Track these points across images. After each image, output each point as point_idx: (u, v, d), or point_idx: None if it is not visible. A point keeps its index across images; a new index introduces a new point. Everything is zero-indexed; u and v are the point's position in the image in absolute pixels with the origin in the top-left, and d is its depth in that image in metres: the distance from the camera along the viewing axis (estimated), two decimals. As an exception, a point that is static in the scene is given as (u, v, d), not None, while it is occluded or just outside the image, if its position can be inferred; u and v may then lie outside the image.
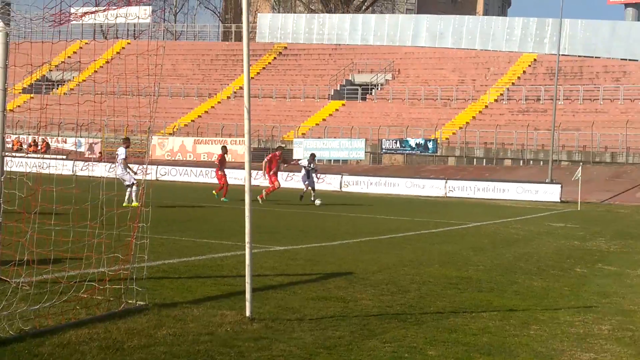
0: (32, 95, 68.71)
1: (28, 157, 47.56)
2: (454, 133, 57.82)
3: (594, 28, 66.55)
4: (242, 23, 8.49)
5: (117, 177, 22.06)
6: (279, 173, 30.83)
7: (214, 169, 31.74)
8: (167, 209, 21.58)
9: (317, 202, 28.38)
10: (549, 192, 39.91)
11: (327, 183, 43.52)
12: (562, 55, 53.78)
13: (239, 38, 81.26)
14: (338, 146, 57.15)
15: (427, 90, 64.82)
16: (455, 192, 41.36)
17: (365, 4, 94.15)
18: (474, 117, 60.41)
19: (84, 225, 8.77)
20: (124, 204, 20.43)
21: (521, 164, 53.50)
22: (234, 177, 45.13)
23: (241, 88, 66.58)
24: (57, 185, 9.02)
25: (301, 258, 13.02)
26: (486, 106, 61.88)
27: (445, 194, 41.14)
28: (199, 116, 67.78)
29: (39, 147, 55.94)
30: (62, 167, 41.06)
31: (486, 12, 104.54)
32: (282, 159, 30.14)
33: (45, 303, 7.80)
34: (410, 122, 59.93)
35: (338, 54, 74.49)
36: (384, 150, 56.76)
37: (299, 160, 30.49)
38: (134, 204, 20.94)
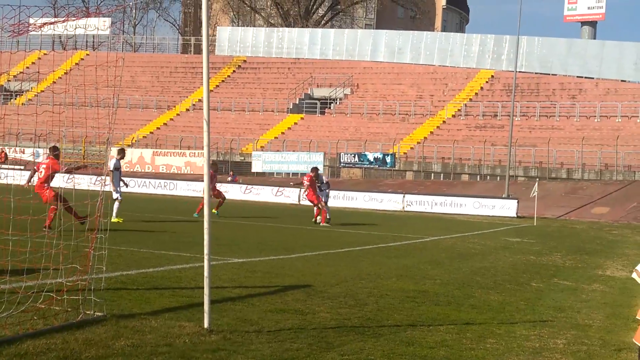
0: (-9, 104, 67.86)
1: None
2: (411, 148, 58.25)
3: (550, 45, 67.62)
4: (201, 36, 8.52)
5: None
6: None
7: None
8: (126, 220, 21.41)
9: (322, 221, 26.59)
10: (506, 207, 40.34)
11: (285, 196, 43.57)
12: (519, 72, 54.54)
13: (198, 51, 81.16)
14: (297, 159, 57.21)
15: (386, 105, 65.25)
16: (413, 206, 41.62)
17: (325, 18, 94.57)
18: (431, 132, 60.92)
19: (41, 236, 8.71)
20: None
21: (478, 179, 54.03)
22: (192, 189, 45.06)
23: (200, 100, 66.41)
24: (15, 195, 8.94)
25: (259, 270, 13.02)
26: (444, 121, 62.45)
27: (403, 208, 41.38)
28: (158, 128, 67.42)
29: (-2, 158, 55.19)
30: (20, 178, 40.50)
31: (444, 29, 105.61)
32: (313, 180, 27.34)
33: (2, 313, 7.73)
34: (368, 136, 60.24)
35: (297, 67, 74.71)
36: (342, 164, 56.95)
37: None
38: (114, 219, 20.73)
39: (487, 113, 62.27)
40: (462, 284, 12.98)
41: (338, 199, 43.26)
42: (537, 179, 42.68)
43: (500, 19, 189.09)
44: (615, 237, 28.69)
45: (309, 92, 71.26)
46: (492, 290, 12.53)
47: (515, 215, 39.19)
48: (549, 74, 66.38)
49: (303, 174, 56.70)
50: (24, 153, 57.88)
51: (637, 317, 9.78)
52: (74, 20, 9.57)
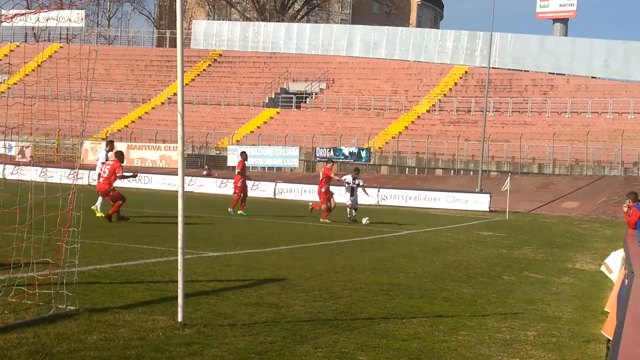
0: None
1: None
2: (386, 142, 58.37)
3: (523, 42, 68.03)
4: (176, 29, 8.45)
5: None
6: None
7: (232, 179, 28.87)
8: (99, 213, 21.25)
9: (365, 220, 25.65)
10: (479, 202, 40.54)
11: (260, 190, 43.45)
12: (492, 68, 54.82)
13: (173, 44, 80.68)
14: (272, 154, 57.12)
15: (361, 99, 65.32)
16: (388, 200, 41.70)
17: (300, 13, 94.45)
18: (406, 127, 61.08)
19: (12, 229, 8.60)
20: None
21: (452, 174, 54.26)
22: (167, 182, 44.84)
23: (175, 94, 66.09)
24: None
25: (234, 264, 12.97)
26: (418, 116, 62.64)
27: (378, 202, 41.44)
28: (133, 122, 67.03)
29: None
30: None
31: (419, 25, 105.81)
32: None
33: (-28, 307, 7.64)
34: (343, 130, 60.28)
35: (273, 62, 74.56)
36: (317, 159, 56.93)
37: (342, 176, 27.05)
38: (99, 214, 20.67)
39: (460, 108, 62.54)
40: (435, 277, 13.03)
41: (313, 193, 43.18)
42: (509, 174, 42.95)
43: (474, 15, 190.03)
44: (585, 231, 28.95)
45: (284, 87, 71.16)
46: (464, 283, 12.59)
47: (488, 210, 39.40)
48: (522, 70, 66.80)
49: (279, 169, 56.92)
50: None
51: (605, 309, 9.90)
52: (46, 12, 9.45)
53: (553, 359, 7.83)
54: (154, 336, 7.41)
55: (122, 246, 14.33)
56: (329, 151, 56.44)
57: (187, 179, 43.06)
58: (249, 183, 29.59)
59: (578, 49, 65.98)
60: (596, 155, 51.28)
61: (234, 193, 27.04)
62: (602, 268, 12.78)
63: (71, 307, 8.14)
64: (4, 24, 10.28)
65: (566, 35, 74.89)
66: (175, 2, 8.33)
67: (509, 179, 36.05)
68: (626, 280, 8.32)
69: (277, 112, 66.59)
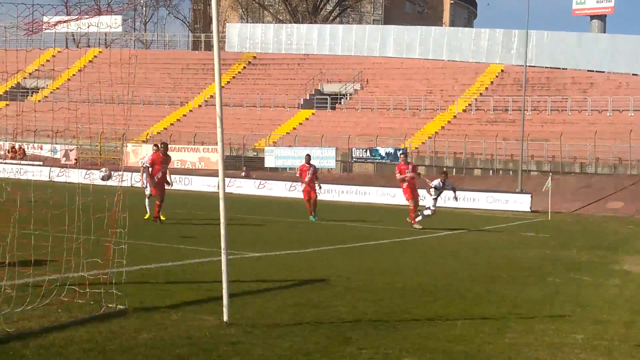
0: (7, 102, 68.11)
1: (6, 164, 47.23)
2: (423, 142, 58.13)
3: (560, 39, 67.31)
4: (211, 32, 8.53)
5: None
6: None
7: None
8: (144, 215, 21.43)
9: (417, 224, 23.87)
10: (519, 202, 40.23)
11: (298, 192, 43.51)
12: (529, 66, 54.29)
13: (208, 47, 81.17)
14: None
15: (396, 100, 65.09)
16: (424, 201, 41.46)
17: (332, 14, 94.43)
18: (442, 127, 60.76)
19: (62, 230, 8.75)
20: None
21: (490, 174, 53.88)
22: (207, 184, 45.13)
23: (212, 97, 66.48)
24: (35, 191, 8.98)
25: (277, 265, 13.04)
26: (455, 116, 62.27)
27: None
28: (171, 124, 67.52)
29: (17, 154, 55.50)
30: (38, 174, 40.70)
31: (452, 24, 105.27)
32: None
33: (27, 306, 7.78)
34: (379, 131, 60.12)
35: (307, 63, 74.61)
36: (354, 159, 56.90)
37: (429, 182, 24.67)
38: (147, 215, 20.83)
39: (497, 108, 62.06)
40: (479, 279, 12.95)
41: (351, 194, 43.33)
42: (550, 174, 42.49)
43: (508, 13, 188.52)
44: (631, 232, 28.54)
45: (319, 88, 71.18)
46: (509, 285, 12.48)
47: (529, 210, 39.08)
48: (559, 68, 66.07)
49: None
50: (41, 149, 58.15)
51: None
52: (86, 18, 9.61)
53: (603, 363, 7.70)
54: (201, 335, 7.48)
55: (167, 247, 14.48)
56: (366, 152, 56.39)
57: (227, 180, 43.30)
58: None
59: (618, 45, 65.07)
60: (640, 154, 50.45)
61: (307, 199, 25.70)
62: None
63: (121, 306, 8.27)
64: (46, 31, 10.46)
65: (604, 32, 73.96)
66: (210, 6, 8.41)
67: (550, 178, 35.68)
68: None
69: (313, 114, 66.62)
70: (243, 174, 51.05)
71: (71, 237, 8.63)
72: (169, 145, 23.37)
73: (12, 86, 72.84)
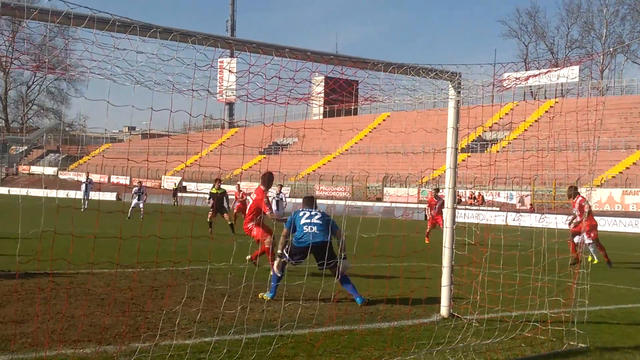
0: (468, 154, 71.49)
1: (467, 209, 49.69)
2: None
3: None
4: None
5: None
6: None
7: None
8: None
9: None
10: None
11: None
12: None
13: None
14: None
15: None
16: None
17: None
18: None
19: (527, 270, 8.98)
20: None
21: None
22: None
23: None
24: (503, 233, 9.36)
25: None
26: None
27: None
28: (627, 168, 64.60)
29: (475, 200, 57.91)
30: (494, 218, 42.14)
31: None
32: None
33: (494, 339, 8.12)
34: None
35: None
36: None
37: None
38: (595, 260, 19.31)
39: None
40: None
41: None
42: None
43: None
44: None
45: None
46: None
47: None
48: None
49: None
50: (498, 196, 59.76)
51: None
52: (545, 72, 9.81)
53: None
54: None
55: (625, 289, 13.90)
56: None
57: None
58: None
59: None
60: None
61: None
62: None
63: (582, 345, 8.18)
64: (518, 86, 10.79)
65: None
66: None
67: None
68: None
69: None
70: None
71: (535, 277, 8.81)
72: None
73: (473, 139, 76.07)
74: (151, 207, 39.63)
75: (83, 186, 40.60)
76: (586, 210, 17.54)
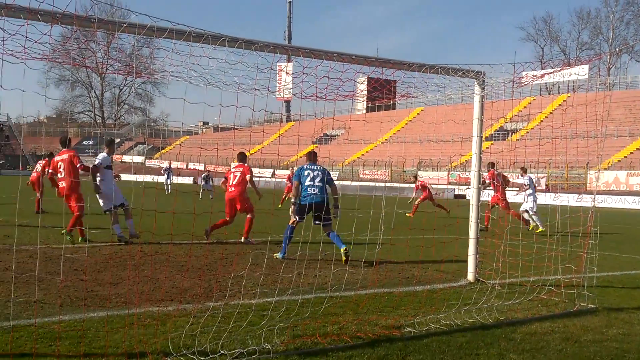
0: (492, 142, 70.51)
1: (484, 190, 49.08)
2: None
3: None
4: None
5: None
6: None
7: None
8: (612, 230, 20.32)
9: None
10: None
11: None
12: None
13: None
14: None
15: None
16: None
17: None
18: None
19: (543, 242, 8.84)
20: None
21: None
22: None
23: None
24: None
25: None
26: None
27: None
28: (631, 153, 63.03)
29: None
30: (513, 197, 41.45)
31: None
32: None
33: (514, 300, 8.03)
34: None
35: None
36: None
37: None
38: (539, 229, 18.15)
39: None
40: None
41: None
42: None
43: None
44: None
45: None
46: None
47: None
48: None
49: None
50: (517, 178, 58.74)
51: None
52: (558, 70, 9.58)
53: None
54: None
55: (629, 257, 13.58)
56: None
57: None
58: None
59: None
60: None
61: None
62: None
63: (591, 305, 8.03)
64: (535, 83, 10.59)
65: None
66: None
67: None
68: None
69: None
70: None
71: (550, 247, 8.67)
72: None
73: (496, 129, 75.06)
74: (220, 189, 39.97)
75: (165, 172, 41.02)
76: (490, 181, 17.31)
